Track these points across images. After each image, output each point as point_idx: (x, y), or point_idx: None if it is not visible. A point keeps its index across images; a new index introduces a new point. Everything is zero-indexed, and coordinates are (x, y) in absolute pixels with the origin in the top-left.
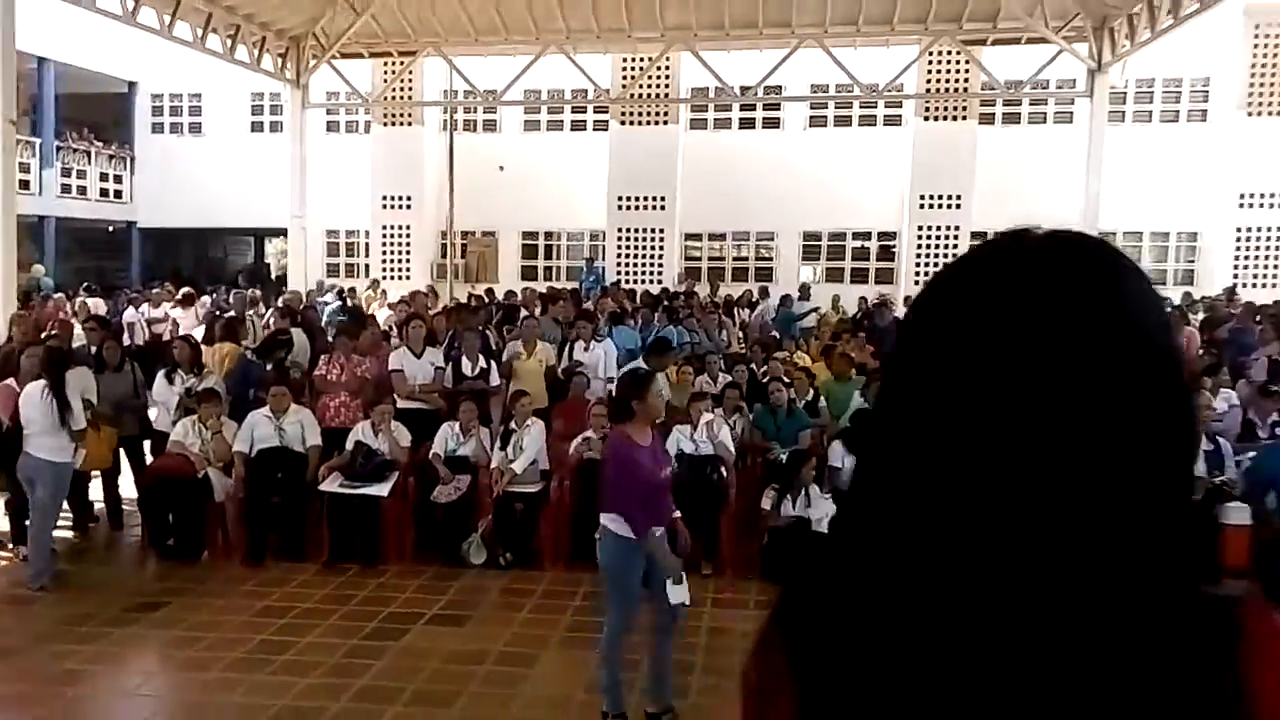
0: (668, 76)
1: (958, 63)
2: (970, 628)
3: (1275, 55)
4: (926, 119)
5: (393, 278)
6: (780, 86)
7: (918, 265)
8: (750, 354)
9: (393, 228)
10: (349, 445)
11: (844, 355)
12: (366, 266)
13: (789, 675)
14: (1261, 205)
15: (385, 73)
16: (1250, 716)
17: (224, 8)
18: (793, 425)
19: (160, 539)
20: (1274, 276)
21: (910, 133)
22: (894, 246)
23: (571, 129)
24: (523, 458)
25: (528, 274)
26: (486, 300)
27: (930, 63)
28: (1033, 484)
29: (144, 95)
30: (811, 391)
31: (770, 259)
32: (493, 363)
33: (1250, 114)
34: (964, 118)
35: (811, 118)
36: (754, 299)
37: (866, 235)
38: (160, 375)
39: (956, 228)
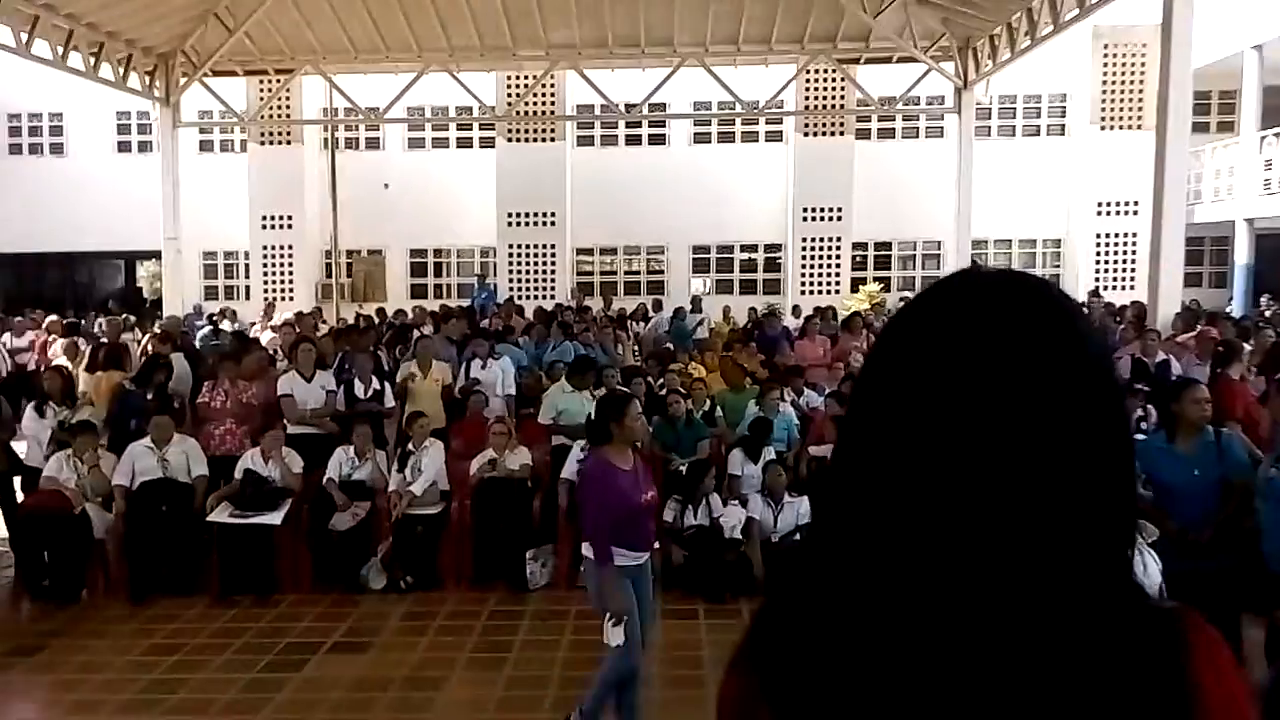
0: (553, 94)
1: (834, 81)
2: (936, 645)
3: (1122, 73)
4: (806, 134)
5: (277, 299)
6: (664, 104)
7: (803, 275)
8: (646, 367)
9: (274, 248)
10: (237, 474)
11: (737, 365)
12: (247, 288)
13: (762, 697)
14: (1117, 213)
15: (261, 91)
16: (1200, 711)
17: (86, 25)
18: (691, 436)
19: (35, 580)
20: (1131, 279)
21: (791, 148)
22: (780, 258)
23: (457, 146)
24: (421, 479)
25: (417, 292)
26: (376, 320)
27: (808, 81)
28: (996, 499)
29: (0, 116)
30: (708, 402)
31: (661, 272)
32: (386, 384)
33: (1103, 128)
34: (841, 133)
35: (696, 134)
36: (647, 312)
37: (753, 247)
38: (29, 408)
39: (838, 239)
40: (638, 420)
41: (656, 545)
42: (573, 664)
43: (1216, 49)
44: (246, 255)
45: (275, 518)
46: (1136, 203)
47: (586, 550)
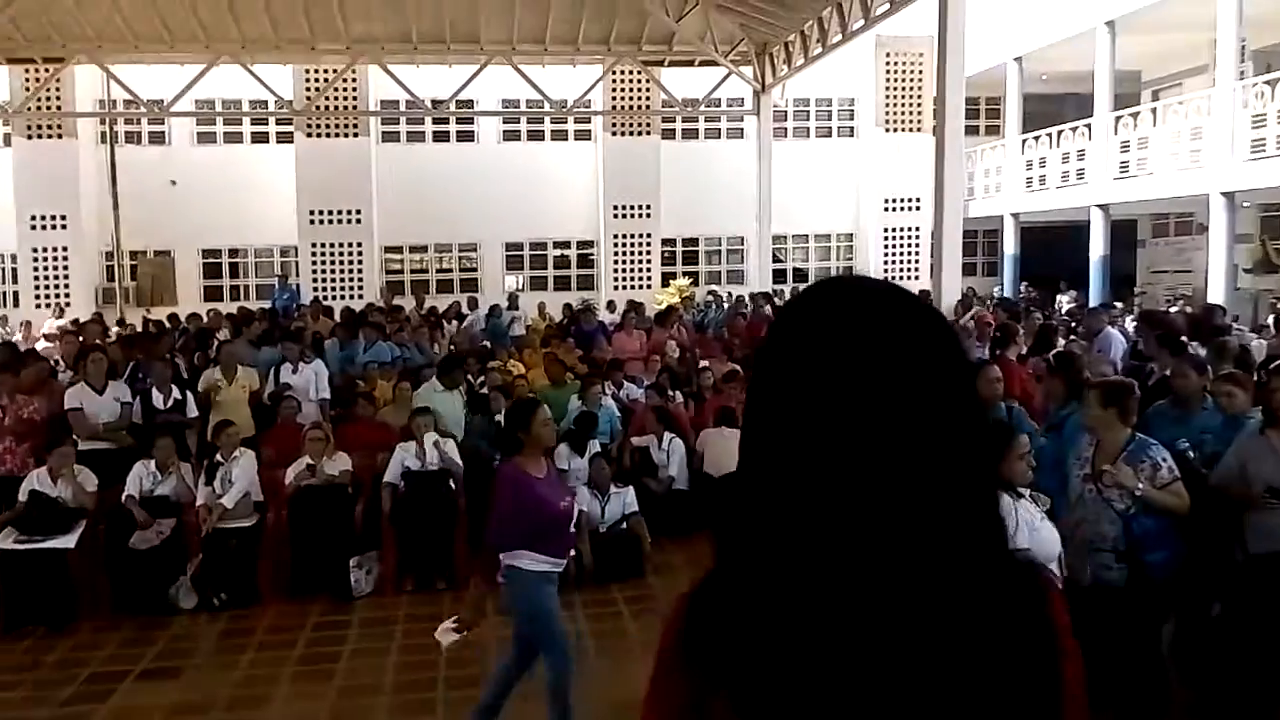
0: (355, 88)
1: (639, 82)
2: (860, 618)
3: (902, 80)
4: (614, 134)
5: (50, 305)
6: (472, 101)
7: (616, 271)
8: (466, 365)
9: (45, 250)
10: (21, 496)
11: (558, 361)
12: (16, 294)
13: (716, 687)
14: (902, 209)
15: (27, 80)
16: (1062, 652)
17: None
18: None
19: None
20: (916, 269)
21: (600, 146)
22: (592, 254)
23: (252, 141)
24: (233, 491)
25: (211, 294)
26: (169, 325)
27: (614, 81)
28: (890, 482)
29: None
30: (466, 398)
31: (475, 270)
32: (188, 393)
33: (888, 130)
34: (648, 133)
35: (505, 131)
36: (461, 310)
37: (566, 244)
38: None
39: (648, 235)
40: (545, 426)
41: (572, 552)
42: (406, 668)
43: (983, 59)
44: (14, 259)
45: (68, 541)
46: (919, 199)
47: (511, 559)
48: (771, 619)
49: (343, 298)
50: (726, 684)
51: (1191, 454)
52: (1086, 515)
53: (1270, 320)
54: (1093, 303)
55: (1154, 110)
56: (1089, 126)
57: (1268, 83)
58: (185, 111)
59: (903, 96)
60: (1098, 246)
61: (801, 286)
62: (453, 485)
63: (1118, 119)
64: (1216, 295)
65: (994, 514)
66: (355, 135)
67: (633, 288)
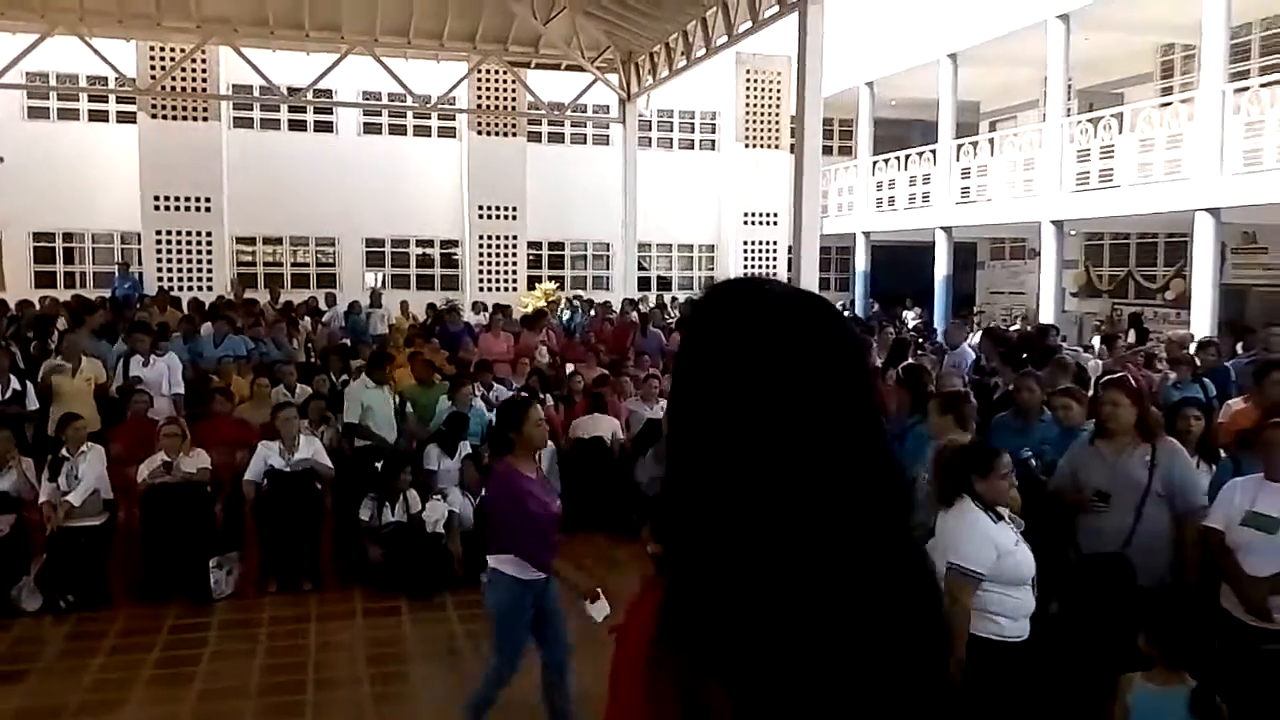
0: (204, 70)
1: (506, 82)
2: (830, 600)
3: (761, 97)
4: (480, 133)
5: None
6: (331, 90)
7: (481, 272)
8: (330, 363)
9: None
10: None
11: (425, 361)
12: None
13: (709, 672)
14: (761, 223)
15: None
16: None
17: None
18: None
19: None
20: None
21: (465, 145)
22: (456, 254)
23: (90, 119)
24: (80, 488)
25: (43, 280)
26: None
27: (480, 80)
28: (805, 472)
29: None
30: (396, 398)
31: (332, 265)
32: (27, 383)
33: (747, 146)
34: (514, 134)
35: (366, 124)
36: (318, 305)
37: (429, 243)
38: None
39: (514, 237)
40: (538, 426)
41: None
42: (273, 670)
43: (837, 82)
44: None
45: None
46: (776, 214)
47: (497, 562)
48: (745, 607)
49: (190, 289)
50: (717, 671)
51: (1033, 462)
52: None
53: (1095, 340)
54: (937, 320)
55: (991, 140)
56: (934, 152)
57: (1090, 120)
58: (15, 84)
59: (762, 113)
60: (942, 266)
61: (694, 292)
62: (318, 485)
63: (959, 146)
64: (1047, 316)
65: (903, 503)
66: (205, 119)
67: (498, 290)
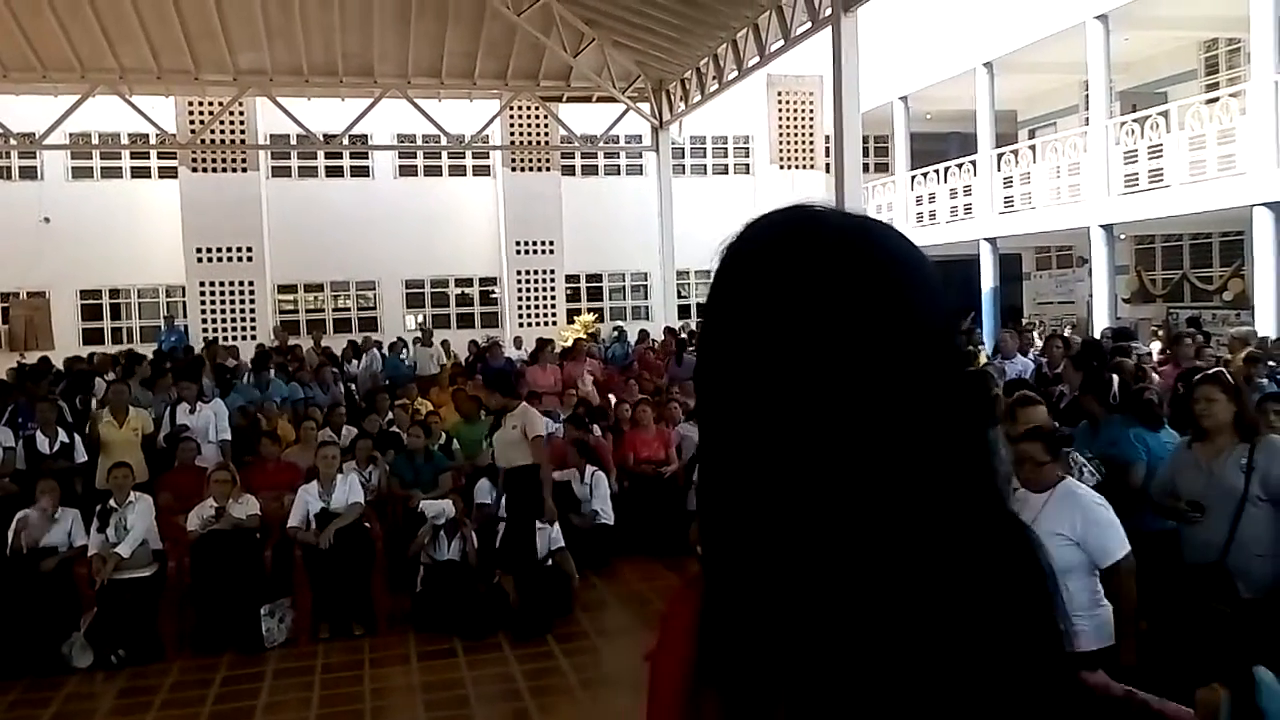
0: (243, 121)
1: (538, 117)
2: (852, 607)
3: (793, 118)
4: (514, 169)
5: None
6: (366, 135)
7: (520, 307)
8: (378, 403)
9: None
10: None
11: (470, 397)
12: None
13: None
14: None
15: None
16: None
17: None
18: (430, 469)
19: None
20: None
21: (500, 182)
22: (495, 291)
23: (133, 176)
24: (129, 538)
25: (91, 337)
26: (45, 368)
27: (513, 116)
28: (862, 457)
29: None
30: (443, 436)
31: (373, 308)
32: (75, 435)
33: (781, 167)
34: (548, 168)
35: (401, 166)
36: (360, 348)
37: (468, 281)
38: None
39: (552, 271)
40: None
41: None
42: (330, 719)
43: (871, 98)
44: None
45: None
46: None
47: None
48: (766, 617)
49: (235, 338)
50: (713, 680)
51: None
52: None
53: (1154, 347)
54: (986, 334)
55: (1032, 148)
56: (974, 163)
57: (1136, 121)
58: (59, 145)
59: (795, 134)
60: (988, 278)
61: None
62: (367, 525)
63: (999, 156)
64: (1101, 323)
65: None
66: (244, 170)
67: (538, 324)
